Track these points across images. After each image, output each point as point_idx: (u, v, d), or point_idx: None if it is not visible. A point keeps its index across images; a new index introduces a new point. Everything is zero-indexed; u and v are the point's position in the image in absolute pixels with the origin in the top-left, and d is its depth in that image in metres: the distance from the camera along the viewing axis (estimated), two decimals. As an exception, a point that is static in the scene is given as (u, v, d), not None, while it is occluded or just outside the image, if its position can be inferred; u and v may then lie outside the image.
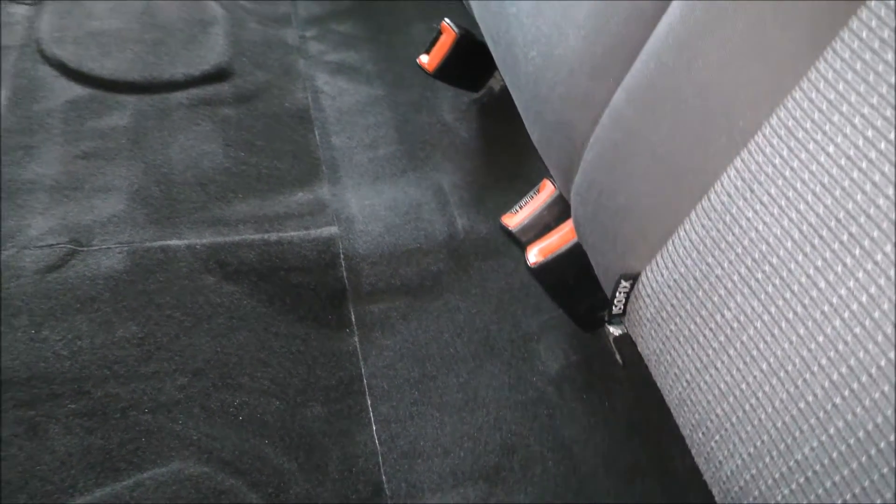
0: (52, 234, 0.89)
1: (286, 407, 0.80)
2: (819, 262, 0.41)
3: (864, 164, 0.39)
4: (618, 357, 0.88)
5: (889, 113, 0.38)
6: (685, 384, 0.52)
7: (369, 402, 0.83)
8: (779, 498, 0.43)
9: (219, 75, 1.17)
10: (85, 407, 0.74)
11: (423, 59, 1.10)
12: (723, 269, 0.46)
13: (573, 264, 0.76)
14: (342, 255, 0.95)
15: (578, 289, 0.78)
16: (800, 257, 0.42)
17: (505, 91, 1.09)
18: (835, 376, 0.40)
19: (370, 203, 1.03)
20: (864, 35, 0.39)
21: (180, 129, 1.07)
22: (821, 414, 0.41)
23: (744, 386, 0.46)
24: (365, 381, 0.85)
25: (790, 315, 0.43)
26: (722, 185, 0.46)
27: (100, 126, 1.04)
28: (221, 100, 1.14)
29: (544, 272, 0.76)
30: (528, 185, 0.95)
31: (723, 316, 0.47)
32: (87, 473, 0.70)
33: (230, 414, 0.77)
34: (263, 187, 1.03)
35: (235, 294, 0.88)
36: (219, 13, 1.28)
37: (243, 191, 1.01)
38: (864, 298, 0.38)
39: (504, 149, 1.11)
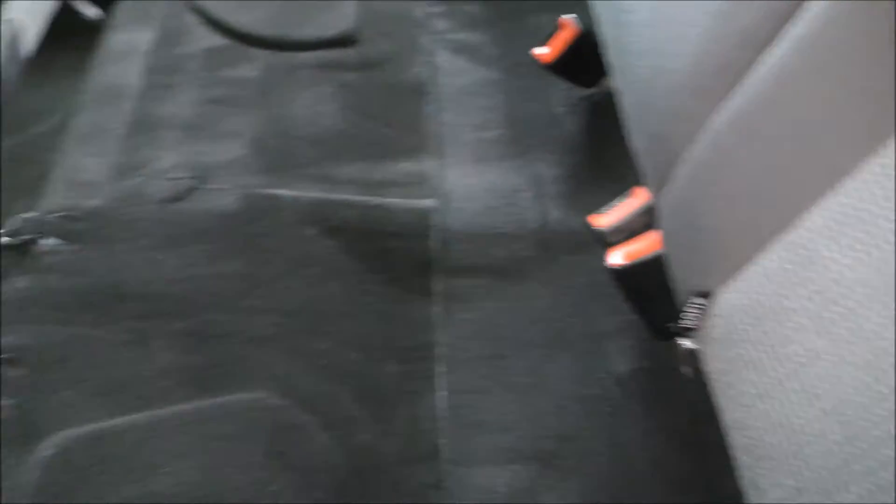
0: (178, 168, 0.97)
1: (364, 360, 0.86)
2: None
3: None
4: (685, 370, 0.89)
5: None
6: (742, 407, 0.53)
7: (441, 370, 0.88)
8: (816, 535, 0.45)
9: (345, 41, 1.23)
10: (188, 327, 0.82)
11: (541, 50, 1.12)
12: (796, 302, 0.47)
13: (654, 273, 0.77)
14: (436, 228, 0.99)
15: (656, 298, 0.80)
16: (877, 306, 0.43)
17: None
18: (892, 428, 0.41)
19: (470, 182, 1.07)
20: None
21: (303, 88, 1.14)
22: (872, 462, 0.42)
23: (800, 421, 0.47)
24: (440, 348, 0.90)
25: (857, 360, 0.44)
26: (809, 219, 0.47)
27: (231, 75, 1.12)
28: (344, 65, 1.20)
29: (625, 276, 0.79)
30: (624, 189, 0.97)
31: (789, 349, 0.48)
32: (182, 387, 0.78)
33: (314, 357, 0.84)
34: (372, 152, 1.08)
35: (332, 248, 0.94)
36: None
37: (353, 154, 1.07)
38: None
39: (607, 149, 1.13)
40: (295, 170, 1.01)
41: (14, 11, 1.11)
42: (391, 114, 1.15)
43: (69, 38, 1.25)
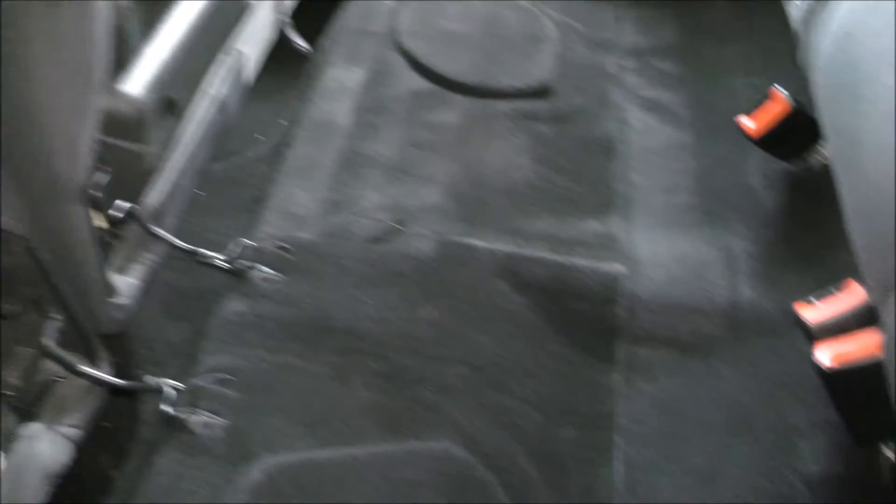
0: (381, 209, 1.02)
1: (544, 422, 0.87)
2: None
3: None
4: (886, 483, 0.84)
5: None
6: None
7: (619, 441, 0.87)
8: None
9: (540, 92, 1.25)
10: (383, 369, 0.86)
11: (746, 121, 1.10)
12: None
13: (869, 379, 0.74)
14: (623, 295, 0.99)
15: (867, 404, 0.76)
16: None
17: (825, 171, 1.06)
18: None
19: (658, 249, 1.06)
20: None
21: (499, 137, 1.16)
22: None
23: None
24: (619, 419, 0.89)
25: None
26: None
27: (433, 119, 1.16)
28: (539, 116, 1.22)
29: (838, 379, 0.75)
30: (826, 275, 0.93)
31: None
32: (376, 427, 0.81)
33: (498, 413, 0.85)
34: (560, 208, 1.09)
35: (521, 305, 0.95)
36: (551, 32, 1.36)
37: (542, 207, 1.08)
38: None
39: (809, 229, 1.08)
40: (488, 220, 1.04)
41: (241, 43, 1.20)
42: (580, 169, 1.16)
43: (282, 67, 1.35)
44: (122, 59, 0.85)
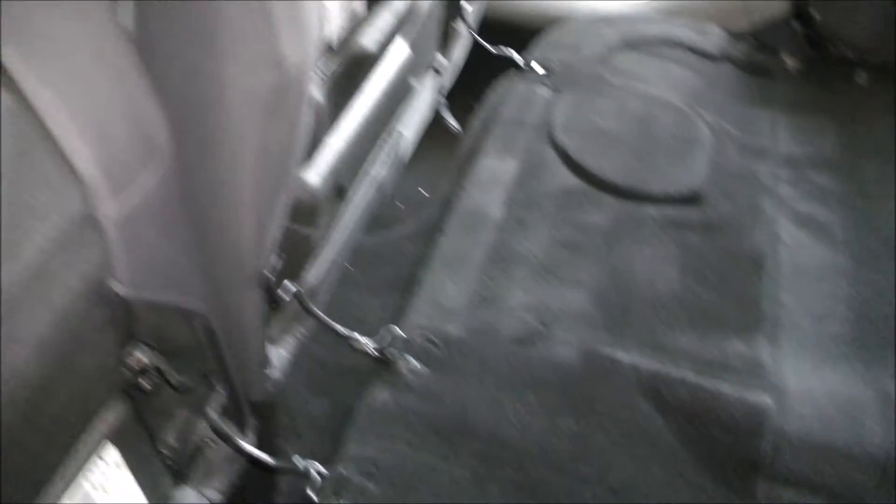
0: (526, 309, 1.03)
1: (678, 558, 0.84)
2: None
3: None
4: None
5: None
6: None
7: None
8: None
9: (691, 199, 1.24)
10: (521, 481, 0.85)
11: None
12: None
13: None
14: (768, 430, 0.95)
15: None
16: None
17: None
18: None
19: (808, 382, 1.02)
20: None
21: (646, 243, 1.15)
22: None
23: None
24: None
25: None
26: None
27: (582, 220, 1.17)
28: (688, 224, 1.20)
29: None
30: None
31: None
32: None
33: (632, 544, 0.83)
34: (706, 324, 1.07)
35: (662, 428, 0.93)
36: (705, 135, 1.35)
37: (687, 322, 1.06)
38: None
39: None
40: (632, 331, 1.03)
41: (402, 125, 1.25)
42: (728, 284, 1.13)
43: (433, 143, 1.39)
44: (309, 151, 0.90)
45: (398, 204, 1.42)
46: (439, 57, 1.35)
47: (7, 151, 0.49)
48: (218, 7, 0.59)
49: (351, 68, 0.90)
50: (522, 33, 1.64)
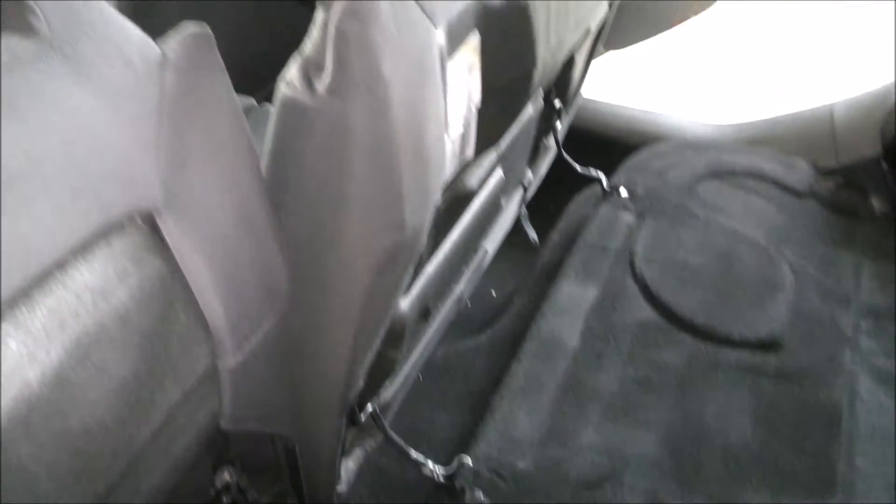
0: (596, 450, 1.02)
1: None
2: None
3: None
4: None
5: None
6: None
7: None
8: None
9: (769, 345, 1.22)
10: None
11: None
12: None
13: None
14: None
15: None
16: None
17: None
18: None
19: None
20: None
21: (721, 389, 1.14)
22: None
23: None
24: None
25: None
26: None
27: (657, 357, 1.17)
28: (765, 371, 1.19)
29: None
30: None
31: None
32: None
33: None
34: (778, 483, 1.05)
35: None
36: (787, 278, 1.34)
37: (759, 479, 1.04)
38: None
39: None
40: (703, 484, 1.01)
41: (487, 241, 1.28)
42: (802, 439, 1.11)
43: (506, 250, 1.41)
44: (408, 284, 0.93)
45: (467, 304, 1.44)
46: (528, 172, 1.39)
47: (154, 315, 0.52)
48: (353, 174, 0.62)
49: (453, 204, 0.93)
50: (607, 149, 1.67)
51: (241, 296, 0.60)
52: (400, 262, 0.70)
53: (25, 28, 0.48)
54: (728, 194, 1.49)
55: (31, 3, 0.48)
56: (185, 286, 0.55)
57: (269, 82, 0.66)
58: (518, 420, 1.04)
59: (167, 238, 0.53)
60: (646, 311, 1.23)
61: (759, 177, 1.55)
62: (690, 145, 1.61)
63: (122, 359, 0.50)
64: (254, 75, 1.12)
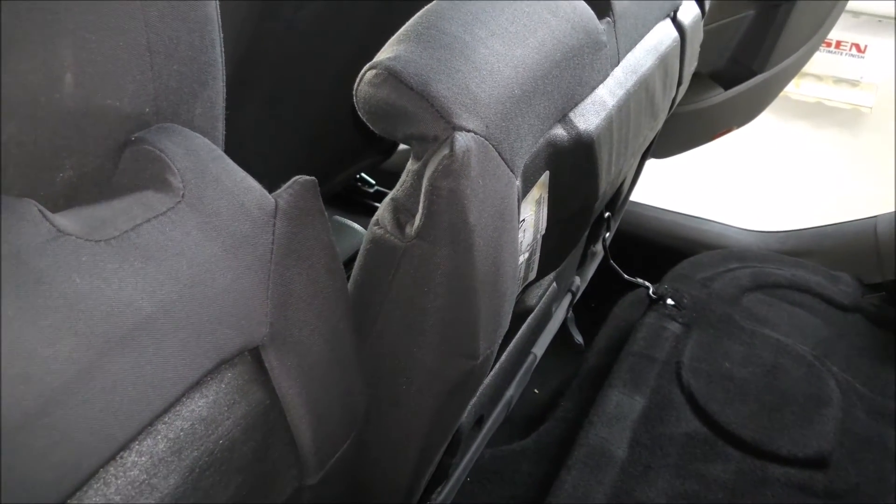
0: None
1: None
2: None
3: None
4: None
5: None
6: None
7: None
8: None
9: (817, 462, 1.23)
10: None
11: None
12: None
13: None
14: None
15: None
16: None
17: None
18: None
19: None
20: None
21: (770, 507, 1.15)
22: None
23: None
24: None
25: None
26: None
27: (704, 471, 1.18)
28: (812, 490, 1.19)
29: None
30: None
31: None
32: None
33: None
34: None
35: None
36: (835, 395, 1.35)
37: None
38: None
39: None
40: None
41: (536, 347, 1.31)
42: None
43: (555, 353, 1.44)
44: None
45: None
46: (576, 279, 1.43)
47: (256, 442, 0.57)
48: (434, 307, 0.67)
49: (512, 320, 0.97)
50: (651, 253, 1.72)
51: (327, 420, 0.64)
52: (469, 386, 0.74)
53: (162, 184, 0.54)
54: (773, 306, 1.52)
55: (168, 161, 0.55)
56: (281, 413, 0.60)
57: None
58: (566, 531, 1.06)
59: (269, 370, 0.58)
60: (693, 424, 1.24)
61: (805, 290, 1.57)
62: (735, 256, 1.64)
63: (227, 484, 0.54)
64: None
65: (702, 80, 1.82)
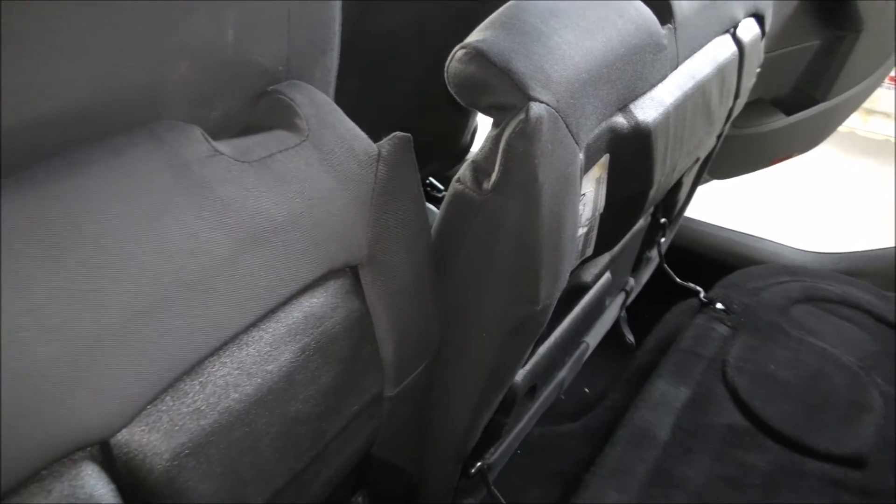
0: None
1: None
2: None
3: None
4: None
5: None
6: None
7: None
8: None
9: (855, 462, 1.28)
10: None
11: None
12: None
13: None
14: None
15: None
16: None
17: None
18: None
19: None
20: None
21: (805, 496, 1.20)
22: None
23: None
24: None
25: None
26: None
27: (742, 459, 1.24)
28: (848, 486, 1.24)
29: None
30: None
31: None
32: None
33: None
34: None
35: None
36: (876, 402, 1.40)
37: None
38: None
39: None
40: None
41: (589, 337, 1.41)
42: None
43: (602, 350, 1.52)
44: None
45: (561, 396, 1.56)
46: (630, 280, 1.52)
47: (352, 341, 0.69)
48: (503, 253, 0.78)
49: (569, 293, 1.08)
50: (705, 267, 1.79)
51: (406, 339, 0.76)
52: (528, 331, 0.85)
53: (291, 126, 0.68)
54: (821, 319, 1.58)
55: (297, 109, 0.68)
56: (370, 324, 0.72)
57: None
58: (607, 497, 1.14)
59: (364, 286, 0.70)
60: (735, 416, 1.31)
61: (854, 306, 1.62)
62: (787, 270, 1.71)
63: (328, 370, 0.66)
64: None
65: (763, 105, 1.90)
